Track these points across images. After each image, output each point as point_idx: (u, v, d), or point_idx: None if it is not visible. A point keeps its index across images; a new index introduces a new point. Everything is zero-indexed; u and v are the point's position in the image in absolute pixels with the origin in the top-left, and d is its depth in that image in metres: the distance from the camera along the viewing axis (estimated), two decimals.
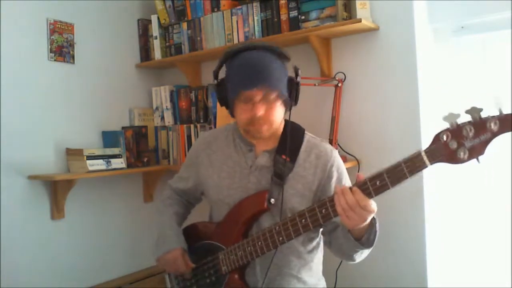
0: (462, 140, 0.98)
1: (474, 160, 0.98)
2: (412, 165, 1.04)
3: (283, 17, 2.12)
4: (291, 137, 1.36)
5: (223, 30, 2.33)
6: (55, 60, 2.28)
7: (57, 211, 2.23)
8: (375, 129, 2.03)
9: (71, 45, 2.36)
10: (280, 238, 1.24)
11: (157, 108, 2.66)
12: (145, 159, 2.55)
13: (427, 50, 2.01)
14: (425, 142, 1.88)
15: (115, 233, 2.52)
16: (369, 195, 1.10)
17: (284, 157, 1.33)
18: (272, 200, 1.30)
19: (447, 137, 1.00)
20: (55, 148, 2.26)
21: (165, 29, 2.62)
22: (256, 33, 2.21)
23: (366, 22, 1.91)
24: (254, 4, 2.21)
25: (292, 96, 1.30)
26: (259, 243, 1.28)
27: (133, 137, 2.51)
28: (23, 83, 2.15)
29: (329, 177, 1.35)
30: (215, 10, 2.37)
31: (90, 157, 2.22)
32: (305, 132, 1.42)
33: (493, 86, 1.94)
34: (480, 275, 1.98)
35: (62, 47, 2.31)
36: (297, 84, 1.31)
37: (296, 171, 1.34)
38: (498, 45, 1.94)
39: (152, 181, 2.69)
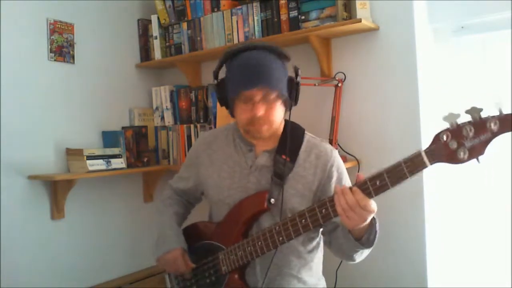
0: (462, 140, 0.98)
1: (474, 160, 0.98)
2: (412, 165, 1.03)
3: (283, 17, 2.12)
4: (291, 137, 1.36)
5: (223, 30, 2.33)
6: (55, 60, 2.28)
7: (57, 211, 2.23)
8: (375, 129, 2.03)
9: (71, 45, 2.36)
10: (280, 238, 1.24)
11: (157, 108, 2.66)
12: (145, 159, 2.55)
13: (427, 50, 2.01)
14: (425, 142, 1.88)
15: (115, 233, 2.52)
16: (369, 195, 1.10)
17: (284, 157, 1.33)
18: (272, 200, 1.30)
19: (447, 137, 1.00)
20: (55, 148, 2.26)
21: (165, 29, 2.62)
22: (256, 33, 2.21)
23: (366, 22, 1.91)
24: (254, 4, 2.21)
25: (292, 96, 1.30)
26: (259, 243, 1.28)
27: (133, 137, 2.51)
28: (23, 83, 2.15)
29: (329, 177, 1.35)
30: (215, 10, 2.37)
31: (90, 157, 2.22)
32: (305, 132, 1.42)
33: (493, 86, 1.94)
34: (480, 275, 1.98)
35: (62, 47, 2.31)
36: (297, 84, 1.31)
37: (296, 171, 1.34)
38: (498, 45, 1.94)
39: (152, 181, 2.69)
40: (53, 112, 2.26)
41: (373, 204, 1.12)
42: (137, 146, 2.53)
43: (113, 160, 2.33)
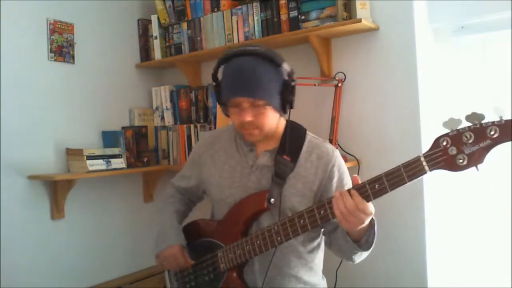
0: (462, 147, 0.97)
1: (474, 168, 0.97)
2: (411, 171, 1.03)
3: (283, 17, 2.12)
4: (293, 137, 1.37)
5: (223, 30, 2.33)
6: (55, 60, 2.28)
7: (57, 211, 2.23)
8: (375, 129, 2.03)
9: (71, 45, 2.36)
10: (279, 238, 1.25)
11: (157, 108, 2.66)
12: (145, 159, 2.55)
13: (427, 50, 2.01)
14: (425, 142, 1.90)
15: (115, 233, 2.52)
16: (367, 198, 1.10)
17: (285, 157, 1.34)
18: (272, 200, 1.31)
19: (447, 142, 0.99)
20: (55, 148, 2.26)
21: (165, 29, 2.62)
22: (256, 33, 2.21)
23: (366, 22, 1.91)
24: (254, 4, 2.21)
25: (287, 100, 1.29)
26: (258, 242, 1.28)
27: (133, 137, 2.51)
28: (23, 83, 2.15)
29: (330, 178, 1.35)
30: (215, 10, 2.37)
31: (90, 157, 2.22)
32: (307, 132, 1.42)
33: (493, 87, 1.94)
34: (480, 275, 1.98)
35: (62, 47, 2.31)
36: (293, 87, 1.29)
37: (297, 171, 1.34)
38: (498, 45, 1.94)
39: (152, 181, 2.69)
40: (53, 112, 2.26)
41: (371, 206, 1.12)
42: (137, 146, 2.53)
43: (113, 160, 2.33)
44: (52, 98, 2.27)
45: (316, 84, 2.05)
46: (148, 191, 2.70)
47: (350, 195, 1.11)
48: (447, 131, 1.00)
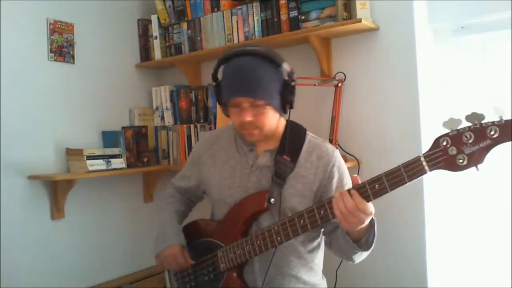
0: (462, 147, 0.97)
1: (474, 168, 0.97)
2: (411, 171, 1.03)
3: (283, 17, 2.12)
4: (293, 137, 1.37)
5: (223, 30, 2.33)
6: (55, 60, 2.28)
7: (57, 211, 2.23)
8: (375, 129, 2.03)
9: (71, 45, 2.36)
10: (279, 238, 1.25)
11: (157, 108, 2.66)
12: (145, 159, 2.55)
13: (427, 50, 2.01)
14: (425, 142, 1.90)
15: (115, 233, 2.52)
16: (367, 198, 1.10)
17: (285, 157, 1.34)
18: (272, 200, 1.31)
19: (447, 142, 0.99)
20: (55, 148, 2.26)
21: (165, 29, 2.62)
22: (256, 33, 2.21)
23: (366, 22, 1.91)
24: (254, 4, 2.21)
25: (287, 100, 1.29)
26: (258, 242, 1.28)
27: (133, 137, 2.51)
28: (23, 83, 2.15)
29: (330, 178, 1.35)
30: (215, 10, 2.37)
31: (90, 157, 2.22)
32: (307, 132, 1.42)
33: (493, 86, 1.94)
34: (480, 275, 1.98)
35: (62, 47, 2.31)
36: (293, 87, 1.29)
37: (297, 171, 1.34)
38: (498, 45, 1.94)
39: (152, 181, 2.69)
40: (53, 112, 2.26)
41: (371, 206, 1.12)
42: (137, 146, 2.53)
43: (113, 160, 2.33)
44: (52, 98, 2.27)
45: (316, 84, 2.05)
46: (148, 191, 2.70)
47: (350, 195, 1.11)
48: (447, 131, 1.00)
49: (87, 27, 2.43)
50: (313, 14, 2.03)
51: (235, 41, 2.29)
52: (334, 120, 2.05)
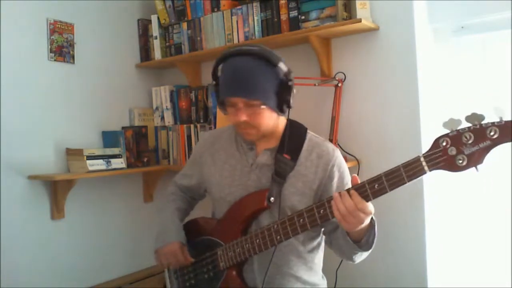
0: (461, 147, 0.97)
1: (473, 168, 0.97)
2: (411, 171, 1.03)
3: (283, 17, 2.12)
4: (293, 136, 1.37)
5: (223, 30, 2.33)
6: (55, 60, 2.28)
7: (57, 211, 2.23)
8: (375, 129, 2.03)
9: (71, 45, 2.36)
10: (278, 237, 1.25)
11: (157, 108, 2.66)
12: (145, 159, 2.55)
13: (427, 50, 2.01)
14: (425, 142, 1.90)
15: (115, 233, 2.52)
16: (367, 198, 1.10)
17: (285, 155, 1.34)
18: (272, 199, 1.31)
19: (447, 143, 0.99)
20: (55, 148, 2.26)
21: (165, 29, 2.62)
22: (256, 33, 2.21)
23: (366, 22, 1.91)
24: (254, 4, 2.21)
25: (285, 100, 1.29)
26: (257, 240, 1.28)
27: (133, 137, 2.51)
28: (23, 83, 2.15)
29: (330, 177, 1.35)
30: (215, 10, 2.37)
31: (90, 157, 2.22)
32: (308, 131, 1.42)
33: (493, 86, 1.94)
34: (480, 275, 1.98)
35: (62, 47, 2.31)
36: (289, 87, 1.29)
37: (297, 170, 1.34)
38: (498, 45, 1.94)
39: (152, 181, 2.69)
40: (53, 112, 2.26)
41: (370, 206, 1.12)
42: (137, 146, 2.53)
43: (113, 160, 2.33)
44: (52, 98, 2.27)
45: (316, 84, 2.05)
46: (148, 191, 2.70)
47: (350, 195, 1.11)
48: (447, 131, 1.00)
49: (87, 27, 2.43)
50: (313, 14, 2.03)
51: (235, 41, 2.29)
52: (334, 120, 2.05)
